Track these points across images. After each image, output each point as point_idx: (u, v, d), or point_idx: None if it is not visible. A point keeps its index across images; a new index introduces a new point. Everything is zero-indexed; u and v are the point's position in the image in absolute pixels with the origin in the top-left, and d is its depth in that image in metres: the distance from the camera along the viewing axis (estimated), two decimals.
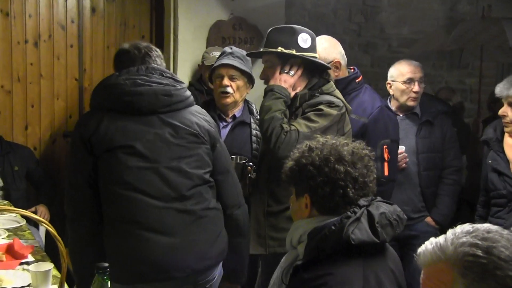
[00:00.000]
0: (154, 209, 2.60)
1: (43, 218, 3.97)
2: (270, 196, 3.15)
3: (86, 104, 5.51)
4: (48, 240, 4.37)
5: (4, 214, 3.74)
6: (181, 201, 2.63)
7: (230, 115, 3.87)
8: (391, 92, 4.22)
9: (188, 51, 5.26)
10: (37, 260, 3.00)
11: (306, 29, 3.20)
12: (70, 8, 5.34)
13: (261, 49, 3.27)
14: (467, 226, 1.61)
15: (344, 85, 3.56)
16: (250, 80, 3.78)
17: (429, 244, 1.64)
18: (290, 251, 2.24)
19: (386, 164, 3.55)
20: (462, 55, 6.07)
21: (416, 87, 4.10)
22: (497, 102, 4.03)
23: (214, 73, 3.82)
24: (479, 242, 1.53)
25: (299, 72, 3.13)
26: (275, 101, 3.06)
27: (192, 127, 2.71)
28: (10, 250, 3.07)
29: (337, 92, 3.22)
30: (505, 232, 1.58)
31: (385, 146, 3.53)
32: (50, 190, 5.02)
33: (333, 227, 1.97)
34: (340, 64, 3.57)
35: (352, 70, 3.71)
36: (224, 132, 3.81)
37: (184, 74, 5.17)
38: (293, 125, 3.00)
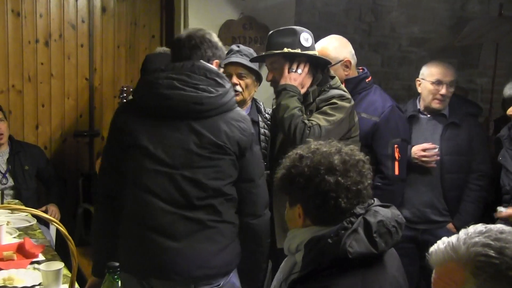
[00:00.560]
0: (163, 212, 2.60)
1: (54, 217, 3.97)
2: None
3: (96, 103, 5.53)
4: (59, 239, 4.38)
5: (15, 213, 3.75)
6: (191, 210, 2.61)
7: None
8: (419, 89, 4.06)
9: None
10: (47, 259, 3.01)
11: (305, 28, 3.30)
12: (81, 8, 5.36)
13: (265, 53, 3.34)
14: (480, 226, 1.60)
15: (354, 85, 3.58)
16: (258, 78, 3.78)
17: (441, 244, 1.63)
18: (288, 257, 2.21)
19: (396, 163, 3.56)
20: (480, 53, 6.01)
21: (443, 90, 3.91)
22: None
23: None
24: (491, 242, 1.52)
25: (306, 70, 3.23)
26: (290, 99, 3.12)
27: (219, 138, 2.64)
28: (21, 249, 3.07)
29: (343, 86, 3.33)
30: None
31: (396, 146, 3.54)
32: (61, 189, 5.04)
33: (329, 240, 1.91)
34: (350, 63, 3.59)
35: (361, 70, 3.71)
36: None
37: None
38: (313, 120, 3.08)
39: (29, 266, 2.92)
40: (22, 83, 5.21)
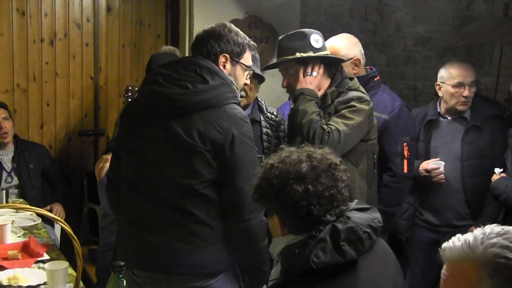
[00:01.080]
0: (141, 206, 2.64)
1: (59, 216, 3.97)
2: None
3: (101, 103, 5.54)
4: (64, 238, 4.39)
5: (20, 212, 3.75)
6: (165, 206, 2.60)
7: None
8: (440, 94, 4.00)
9: None
10: (52, 259, 3.00)
11: (313, 30, 3.28)
12: (86, 7, 5.36)
13: (277, 60, 3.30)
14: (496, 227, 1.59)
15: (363, 83, 3.56)
16: (260, 80, 3.76)
17: (457, 241, 1.61)
18: (278, 263, 2.18)
19: (405, 161, 3.55)
20: (493, 52, 6.00)
21: (466, 92, 3.86)
22: None
23: None
24: (510, 244, 1.52)
25: (321, 72, 3.19)
26: (308, 103, 3.08)
27: (190, 136, 2.55)
28: (26, 249, 3.08)
29: (362, 88, 3.27)
30: None
31: (405, 144, 3.54)
32: (65, 188, 5.04)
33: (296, 251, 1.88)
34: (359, 61, 3.60)
35: (369, 69, 3.72)
36: None
37: None
38: (331, 124, 3.03)
39: (34, 265, 2.92)
40: (27, 82, 5.22)
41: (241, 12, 5.32)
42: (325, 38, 3.58)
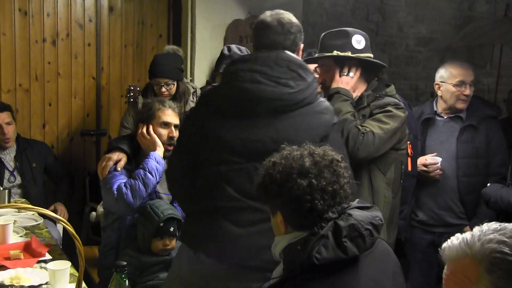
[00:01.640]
0: (231, 198, 2.61)
1: (62, 217, 3.97)
2: None
3: (103, 103, 5.54)
4: (66, 238, 4.39)
5: (22, 212, 3.76)
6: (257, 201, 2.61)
7: None
8: (439, 93, 4.03)
9: (205, 50, 5.26)
10: (54, 258, 3.00)
11: (359, 30, 3.23)
12: (88, 7, 5.37)
13: (317, 55, 3.31)
14: (494, 224, 1.60)
15: None
16: None
17: (455, 240, 1.62)
18: (280, 264, 2.19)
19: (409, 160, 3.55)
20: (493, 52, 6.00)
21: (467, 91, 3.91)
22: None
23: None
24: (507, 239, 1.53)
25: (358, 73, 3.16)
26: (343, 103, 3.06)
27: (297, 135, 2.56)
28: (28, 248, 3.08)
29: (398, 96, 3.25)
30: None
31: (408, 142, 3.53)
32: (69, 187, 5.04)
33: (298, 247, 1.90)
34: None
35: None
36: None
37: (201, 72, 5.18)
38: (366, 126, 3.00)
39: (36, 265, 2.92)
40: (29, 82, 5.23)
41: (243, 12, 5.32)
42: None
